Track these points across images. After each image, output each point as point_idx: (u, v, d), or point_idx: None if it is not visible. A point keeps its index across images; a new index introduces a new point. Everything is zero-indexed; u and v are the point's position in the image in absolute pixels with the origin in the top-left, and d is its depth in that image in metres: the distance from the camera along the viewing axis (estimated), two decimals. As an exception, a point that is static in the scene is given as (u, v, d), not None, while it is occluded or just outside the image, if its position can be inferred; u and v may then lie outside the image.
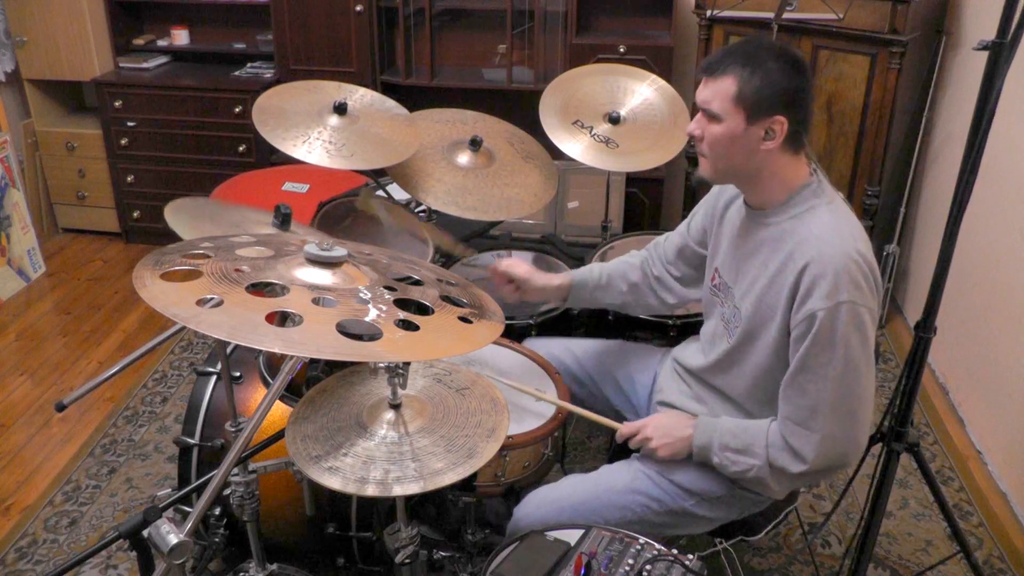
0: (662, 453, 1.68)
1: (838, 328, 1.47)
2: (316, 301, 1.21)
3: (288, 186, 3.20)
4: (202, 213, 1.77)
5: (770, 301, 1.57)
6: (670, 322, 2.17)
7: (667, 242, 1.94)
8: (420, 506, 1.99)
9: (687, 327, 2.16)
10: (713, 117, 1.53)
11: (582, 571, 1.36)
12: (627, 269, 1.96)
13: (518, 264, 1.96)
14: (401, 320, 1.22)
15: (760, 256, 1.60)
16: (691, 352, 1.84)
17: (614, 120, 2.49)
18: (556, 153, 2.46)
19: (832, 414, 1.51)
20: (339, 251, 1.31)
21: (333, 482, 1.33)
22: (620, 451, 1.92)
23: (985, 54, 1.53)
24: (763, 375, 1.62)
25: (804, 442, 1.54)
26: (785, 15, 2.59)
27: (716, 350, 1.72)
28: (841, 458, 1.56)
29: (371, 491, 1.32)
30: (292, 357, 1.49)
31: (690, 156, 3.46)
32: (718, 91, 1.51)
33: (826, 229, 1.51)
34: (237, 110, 3.74)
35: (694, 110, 1.59)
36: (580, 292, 1.95)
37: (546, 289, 1.95)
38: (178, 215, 1.65)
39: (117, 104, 3.81)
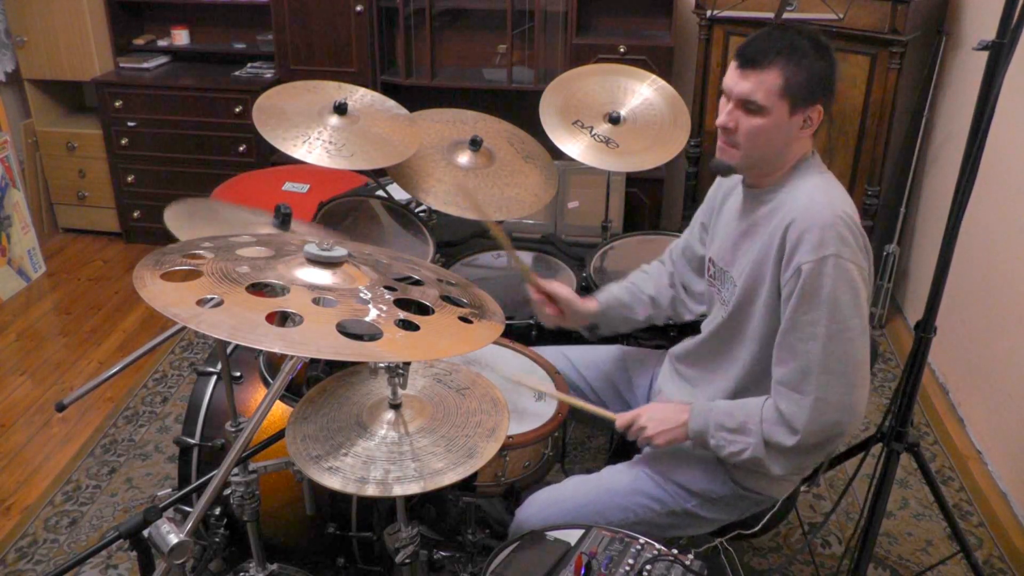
0: (659, 441, 1.65)
1: (824, 282, 1.45)
2: (316, 301, 1.22)
3: (288, 186, 3.20)
4: (201, 216, 1.77)
5: (760, 266, 1.57)
6: (671, 321, 2.17)
7: (676, 248, 1.95)
8: (420, 506, 1.99)
9: (687, 326, 2.15)
10: (756, 110, 1.51)
11: (582, 571, 1.36)
12: (644, 282, 1.95)
13: (562, 287, 1.91)
14: (401, 320, 1.22)
15: (756, 231, 1.61)
16: (690, 340, 1.84)
17: (614, 120, 2.49)
18: (556, 153, 2.46)
19: (823, 375, 1.47)
20: (339, 251, 1.31)
21: (333, 482, 1.33)
22: (620, 452, 1.92)
23: (985, 54, 1.53)
24: (759, 343, 1.60)
25: (796, 408, 1.50)
26: (785, 15, 2.59)
27: (712, 325, 1.73)
28: (834, 427, 1.51)
29: (371, 491, 1.32)
30: (292, 357, 1.49)
31: (691, 156, 3.46)
32: (763, 83, 1.49)
33: (814, 191, 1.53)
34: (237, 110, 3.74)
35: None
36: (610, 312, 1.92)
37: (584, 314, 1.92)
38: (178, 218, 1.65)
39: (117, 104, 3.81)
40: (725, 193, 1.77)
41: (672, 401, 1.78)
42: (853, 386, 1.50)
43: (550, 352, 2.02)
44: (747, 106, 1.52)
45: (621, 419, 1.71)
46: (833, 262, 1.45)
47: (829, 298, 1.46)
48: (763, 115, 1.51)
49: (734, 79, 1.53)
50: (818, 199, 1.50)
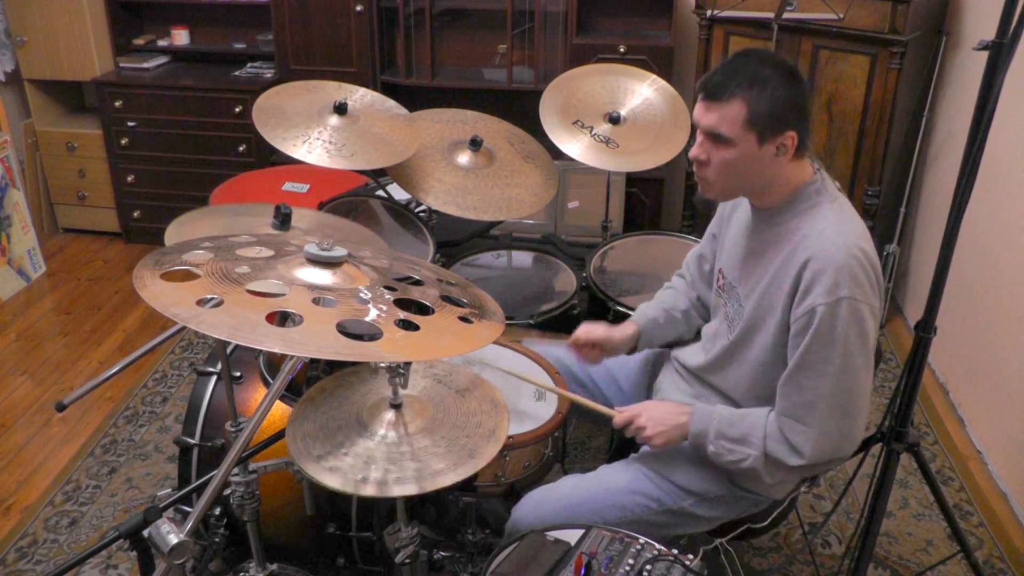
0: (657, 442, 1.65)
1: (838, 324, 1.47)
2: (316, 301, 1.21)
3: (288, 186, 3.20)
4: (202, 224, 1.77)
5: (771, 297, 1.57)
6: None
7: (691, 257, 1.95)
8: (420, 506, 1.99)
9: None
10: (724, 142, 1.50)
11: (582, 571, 1.36)
12: (675, 299, 1.95)
13: (593, 328, 1.89)
14: (401, 320, 1.22)
15: (765, 255, 1.61)
16: (691, 351, 1.84)
17: (614, 120, 2.49)
18: (556, 153, 2.46)
19: (829, 411, 1.51)
20: (339, 251, 1.31)
21: (333, 481, 1.33)
22: (620, 451, 1.92)
23: (985, 54, 1.53)
24: (762, 372, 1.62)
25: (801, 438, 1.54)
26: (785, 15, 2.59)
27: (716, 347, 1.72)
28: (836, 452, 1.56)
29: (371, 491, 1.32)
30: (292, 357, 1.49)
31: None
32: (726, 116, 1.48)
33: (828, 226, 1.52)
34: (237, 110, 3.74)
35: (692, 130, 1.56)
36: (649, 335, 1.92)
37: (624, 341, 1.89)
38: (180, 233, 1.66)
39: (117, 104, 3.81)
40: (734, 204, 1.77)
41: (671, 400, 1.78)
42: (855, 417, 1.54)
43: (552, 345, 2.02)
44: (714, 138, 1.51)
45: (620, 417, 1.71)
46: (847, 304, 1.46)
47: (841, 339, 1.47)
48: (731, 147, 1.50)
49: (700, 112, 1.53)
50: (832, 235, 1.49)
